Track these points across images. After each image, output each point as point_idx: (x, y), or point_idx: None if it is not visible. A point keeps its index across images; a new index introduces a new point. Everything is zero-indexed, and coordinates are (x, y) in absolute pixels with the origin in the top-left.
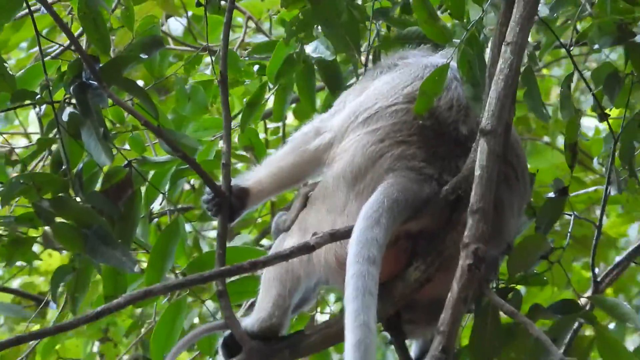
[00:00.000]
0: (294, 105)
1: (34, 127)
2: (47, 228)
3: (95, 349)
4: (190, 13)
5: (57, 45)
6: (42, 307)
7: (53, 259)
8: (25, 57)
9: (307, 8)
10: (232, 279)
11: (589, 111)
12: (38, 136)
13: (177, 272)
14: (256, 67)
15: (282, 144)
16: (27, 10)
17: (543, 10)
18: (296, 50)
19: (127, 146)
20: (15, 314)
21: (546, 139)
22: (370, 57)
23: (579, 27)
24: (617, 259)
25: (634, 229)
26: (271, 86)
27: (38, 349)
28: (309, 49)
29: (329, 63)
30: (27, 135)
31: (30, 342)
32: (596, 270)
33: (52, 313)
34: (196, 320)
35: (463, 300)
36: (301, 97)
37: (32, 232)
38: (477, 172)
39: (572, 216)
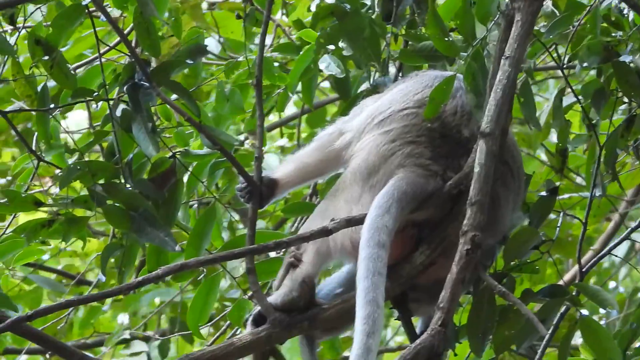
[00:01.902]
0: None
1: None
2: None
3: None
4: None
5: (110, 48)
6: (79, 284)
7: (91, 243)
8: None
9: (334, 24)
10: (261, 259)
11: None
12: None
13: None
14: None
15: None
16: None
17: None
18: (311, 64)
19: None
20: (53, 287)
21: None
22: (391, 68)
23: (561, 48)
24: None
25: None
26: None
27: (76, 321)
28: (322, 65)
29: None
30: (68, 133)
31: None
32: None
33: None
34: None
35: (461, 280)
36: (303, 95)
37: (78, 212)
38: (476, 170)
39: (561, 213)
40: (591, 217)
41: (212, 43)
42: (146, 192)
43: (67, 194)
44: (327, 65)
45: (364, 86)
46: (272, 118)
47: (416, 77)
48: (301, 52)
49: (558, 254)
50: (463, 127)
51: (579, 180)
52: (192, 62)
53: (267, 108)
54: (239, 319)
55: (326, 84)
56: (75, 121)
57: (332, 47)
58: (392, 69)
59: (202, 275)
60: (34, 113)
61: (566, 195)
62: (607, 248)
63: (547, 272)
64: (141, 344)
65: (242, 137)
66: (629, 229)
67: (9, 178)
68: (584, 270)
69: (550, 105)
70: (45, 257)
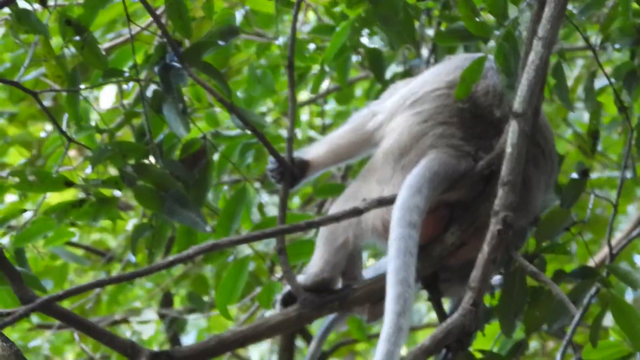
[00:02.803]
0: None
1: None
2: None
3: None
4: (248, 7)
5: (142, 29)
6: (109, 261)
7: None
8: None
9: (369, 7)
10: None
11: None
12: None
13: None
14: (313, 46)
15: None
16: None
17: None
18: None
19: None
20: (76, 261)
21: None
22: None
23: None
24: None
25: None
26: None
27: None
28: (363, 39)
29: (378, 54)
30: (99, 113)
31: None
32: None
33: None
34: None
35: (492, 260)
36: (338, 75)
37: (108, 192)
38: (508, 150)
39: (592, 195)
40: (621, 198)
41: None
42: (177, 173)
43: (97, 173)
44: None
45: (397, 68)
46: (302, 96)
47: (448, 60)
48: (337, 29)
49: (588, 233)
50: (495, 107)
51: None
52: (224, 43)
53: (300, 88)
54: (268, 302)
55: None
56: (107, 98)
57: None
58: (426, 52)
59: (232, 256)
60: (64, 94)
61: (595, 175)
62: (638, 229)
63: (578, 252)
64: (151, 313)
65: (269, 119)
66: None
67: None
68: (614, 252)
69: (572, 81)
70: (75, 239)
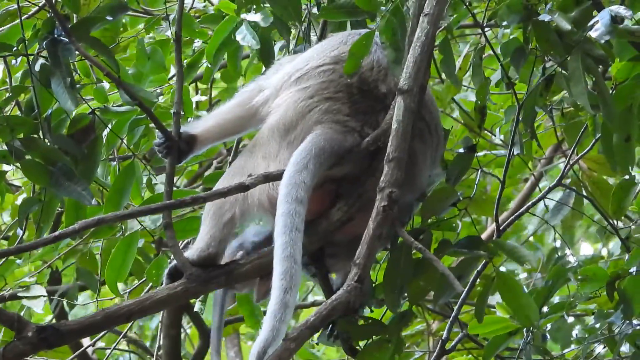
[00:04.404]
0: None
1: None
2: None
3: None
4: None
5: (31, 4)
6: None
7: (9, 197)
8: None
9: None
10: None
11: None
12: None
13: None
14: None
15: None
16: None
17: None
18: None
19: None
20: None
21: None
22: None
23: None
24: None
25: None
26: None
27: None
28: (239, 37)
29: (262, 41)
30: None
31: None
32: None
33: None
34: None
35: (378, 237)
36: (229, 65)
37: None
38: (394, 126)
39: (479, 171)
40: (508, 177)
41: None
42: (65, 148)
43: None
44: (244, 36)
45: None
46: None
47: (332, 37)
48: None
49: (476, 212)
50: (380, 82)
51: (495, 139)
52: (112, 18)
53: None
54: (157, 278)
55: None
56: None
57: (252, 16)
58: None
59: (120, 232)
60: None
61: (482, 153)
62: (524, 207)
63: (463, 233)
64: (40, 289)
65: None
66: (546, 188)
67: None
68: (501, 228)
69: (461, 59)
70: None
